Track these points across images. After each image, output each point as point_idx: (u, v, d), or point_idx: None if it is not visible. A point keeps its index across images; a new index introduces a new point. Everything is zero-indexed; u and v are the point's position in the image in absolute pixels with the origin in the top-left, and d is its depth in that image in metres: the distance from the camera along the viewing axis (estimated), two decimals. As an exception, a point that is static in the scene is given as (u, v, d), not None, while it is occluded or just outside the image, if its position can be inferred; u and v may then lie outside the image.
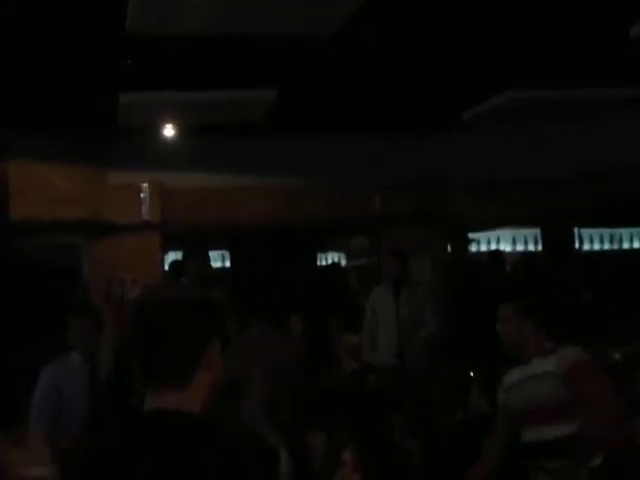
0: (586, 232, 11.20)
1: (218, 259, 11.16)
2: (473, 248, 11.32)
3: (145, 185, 8.36)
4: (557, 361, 4.09)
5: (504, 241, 11.43)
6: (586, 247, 11.29)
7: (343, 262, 12.60)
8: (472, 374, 5.65)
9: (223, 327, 2.14)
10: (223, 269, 11.42)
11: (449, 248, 9.90)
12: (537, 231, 11.09)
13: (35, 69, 5.81)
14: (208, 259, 7.43)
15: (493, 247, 11.24)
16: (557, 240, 10.75)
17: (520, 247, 11.35)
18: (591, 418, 3.87)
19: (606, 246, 11.54)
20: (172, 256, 11.58)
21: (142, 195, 8.35)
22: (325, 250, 13.14)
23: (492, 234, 11.35)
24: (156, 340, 2.04)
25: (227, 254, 12.05)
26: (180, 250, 11.72)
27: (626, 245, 11.57)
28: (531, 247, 11.30)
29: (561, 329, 4.71)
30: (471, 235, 11.15)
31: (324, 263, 13.09)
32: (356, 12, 4.61)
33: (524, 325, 4.24)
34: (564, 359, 4.08)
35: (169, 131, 7.62)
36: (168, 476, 1.93)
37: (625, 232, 11.50)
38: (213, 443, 1.98)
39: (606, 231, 11.44)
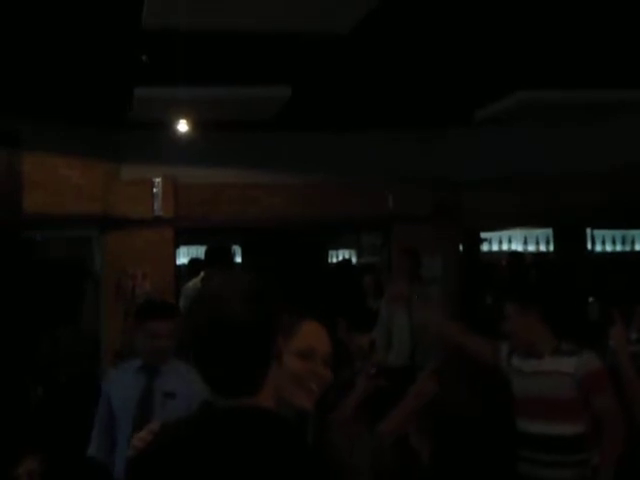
0: (599, 233, 11.15)
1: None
2: (484, 247, 11.31)
3: (158, 180, 8.36)
4: (576, 364, 4.19)
5: (515, 241, 11.40)
6: (598, 248, 11.24)
7: (354, 259, 12.62)
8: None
9: (282, 312, 1.99)
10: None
11: (461, 247, 9.88)
12: (549, 231, 11.05)
13: (50, 62, 5.82)
14: (230, 261, 7.44)
15: (505, 247, 11.22)
16: (569, 241, 10.71)
17: (532, 247, 11.32)
18: (610, 432, 4.09)
19: (618, 248, 11.48)
20: (184, 251, 11.64)
21: (155, 190, 8.35)
22: (337, 247, 13.16)
23: (504, 234, 11.33)
24: (227, 351, 1.84)
25: (238, 249, 12.08)
26: (192, 245, 11.83)
27: (639, 247, 11.51)
28: (543, 247, 11.26)
29: (573, 329, 4.74)
30: (482, 234, 11.13)
31: (335, 260, 13.11)
32: (371, 10, 4.59)
33: (527, 322, 4.32)
34: (583, 364, 4.19)
35: (183, 126, 7.61)
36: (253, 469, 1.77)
37: (638, 234, 11.44)
38: (295, 439, 1.87)
39: (619, 233, 11.38)
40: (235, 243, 11.58)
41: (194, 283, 7.43)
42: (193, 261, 9.18)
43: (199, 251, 12.19)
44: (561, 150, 8.30)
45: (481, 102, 7.26)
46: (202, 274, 7.34)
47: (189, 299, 6.77)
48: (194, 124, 7.63)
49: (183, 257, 11.49)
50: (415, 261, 7.48)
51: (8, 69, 5.96)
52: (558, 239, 10.84)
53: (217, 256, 7.23)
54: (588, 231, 10.74)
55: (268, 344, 1.88)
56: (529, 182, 8.51)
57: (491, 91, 6.89)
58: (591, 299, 7.96)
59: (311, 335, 2.46)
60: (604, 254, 11.22)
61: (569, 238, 10.67)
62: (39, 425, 6.03)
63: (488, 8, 4.91)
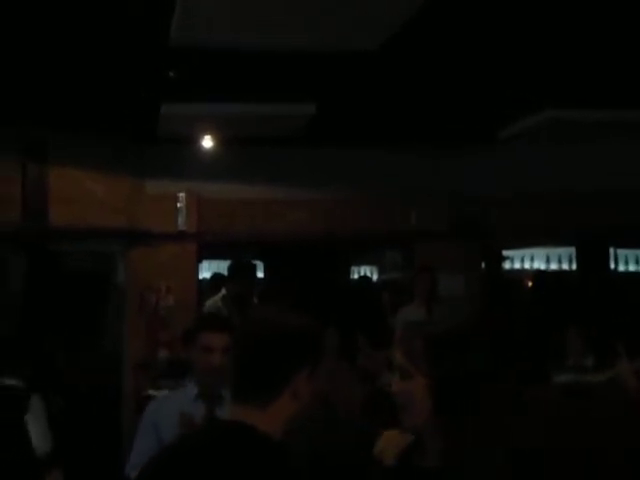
0: (622, 252, 11.09)
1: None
2: (506, 265, 11.28)
3: (182, 195, 8.41)
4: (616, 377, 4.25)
5: (538, 259, 11.36)
6: (621, 268, 11.18)
7: (376, 276, 12.61)
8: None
9: (316, 358, 2.14)
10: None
11: (483, 265, 9.87)
12: (572, 250, 11.01)
13: (79, 77, 5.89)
14: (252, 278, 7.38)
15: (527, 265, 11.19)
16: (592, 260, 10.67)
17: (554, 266, 11.28)
18: None
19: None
20: (206, 265, 11.68)
21: (179, 205, 8.40)
22: (359, 263, 13.15)
23: (526, 252, 11.30)
24: (245, 360, 2.10)
25: (260, 264, 12.09)
26: (215, 259, 11.87)
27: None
28: (565, 266, 11.22)
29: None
30: (505, 252, 11.11)
31: (357, 276, 13.10)
32: (398, 29, 4.62)
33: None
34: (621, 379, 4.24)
35: (208, 142, 7.67)
36: None
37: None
38: (273, 465, 1.99)
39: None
40: (257, 258, 11.59)
41: (214, 301, 7.40)
42: (215, 276, 9.19)
43: (221, 266, 12.24)
44: (582, 169, 8.28)
45: (505, 120, 7.26)
46: (223, 292, 7.32)
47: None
48: (219, 140, 7.69)
49: (205, 271, 11.54)
50: (433, 280, 7.50)
51: (38, 83, 6.04)
52: (581, 258, 10.81)
53: (239, 272, 7.23)
54: (611, 250, 10.70)
55: (277, 373, 2.07)
56: (552, 200, 8.49)
57: (515, 109, 6.90)
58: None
59: None
60: (627, 274, 11.16)
61: (592, 257, 10.63)
62: (62, 436, 6.03)
63: (513, 28, 4.93)
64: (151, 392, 7.65)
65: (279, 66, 5.58)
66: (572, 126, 7.12)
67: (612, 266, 10.81)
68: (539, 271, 11.02)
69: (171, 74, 5.62)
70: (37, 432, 4.71)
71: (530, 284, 11.03)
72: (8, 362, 5.88)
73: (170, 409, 3.86)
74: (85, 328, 8.40)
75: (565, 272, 11.12)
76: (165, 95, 6.26)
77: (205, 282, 10.03)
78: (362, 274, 12.98)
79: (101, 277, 8.75)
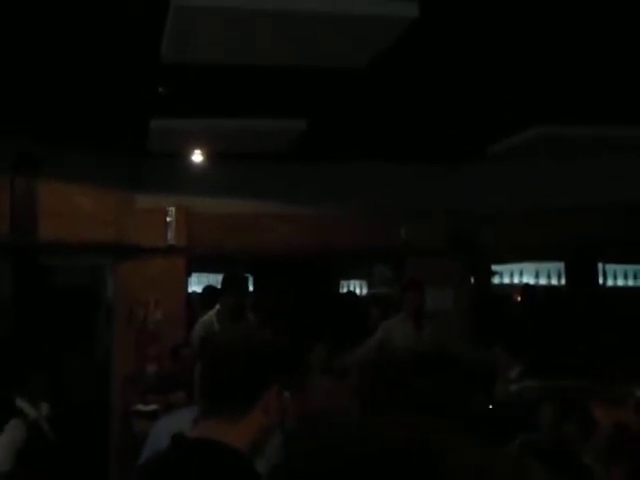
0: (610, 267, 11.15)
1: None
2: (496, 280, 11.32)
3: (172, 209, 8.41)
4: None
5: (527, 274, 11.41)
6: (610, 283, 11.24)
7: (365, 290, 12.62)
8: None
9: (288, 375, 2.17)
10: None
11: (472, 280, 9.89)
12: (561, 265, 11.06)
13: (70, 92, 5.89)
14: (245, 291, 7.30)
15: (516, 280, 11.24)
16: (581, 275, 10.72)
17: (543, 281, 11.33)
18: None
19: (630, 282, 11.47)
20: (195, 279, 11.67)
21: (168, 219, 8.40)
22: (347, 278, 13.17)
23: (515, 267, 11.35)
24: (216, 375, 2.14)
25: (250, 278, 12.09)
26: (204, 272, 11.86)
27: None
28: (554, 281, 11.27)
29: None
30: (494, 267, 11.14)
31: (345, 291, 13.12)
32: (388, 46, 4.65)
33: None
34: None
35: (198, 157, 7.68)
36: None
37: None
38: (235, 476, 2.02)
39: (631, 267, 11.38)
40: (247, 272, 11.59)
41: (209, 317, 7.29)
42: (208, 289, 9.14)
43: (210, 279, 12.24)
44: (573, 184, 8.32)
45: (495, 137, 7.30)
46: (217, 307, 7.23)
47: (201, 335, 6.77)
48: (209, 155, 7.70)
49: (194, 285, 11.53)
50: (422, 296, 7.51)
51: (28, 97, 6.04)
52: (569, 273, 10.86)
53: (233, 285, 7.18)
54: (600, 265, 10.75)
55: (245, 389, 2.10)
56: (541, 216, 8.52)
57: (505, 126, 6.93)
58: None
59: None
60: (615, 288, 11.21)
61: (580, 272, 10.68)
62: (45, 442, 6.03)
63: (503, 45, 4.96)
64: (139, 407, 7.63)
65: (269, 82, 5.60)
66: (562, 142, 7.16)
67: (600, 281, 10.86)
68: (527, 285, 11.07)
69: (161, 90, 5.62)
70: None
71: (519, 298, 11.08)
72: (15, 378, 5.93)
73: (174, 426, 3.77)
74: (73, 342, 8.37)
75: (554, 287, 11.17)
76: (155, 110, 6.26)
77: (194, 296, 10.01)
78: (350, 289, 13.00)
79: (90, 291, 8.74)
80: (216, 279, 12.14)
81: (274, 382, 2.11)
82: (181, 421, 3.73)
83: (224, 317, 6.96)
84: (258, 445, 2.11)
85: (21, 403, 5.85)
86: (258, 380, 2.10)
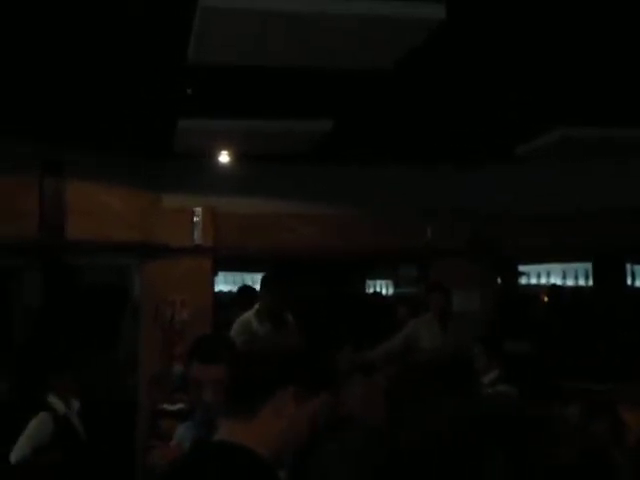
0: (639, 268, 11.04)
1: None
2: (523, 281, 11.27)
3: (198, 209, 8.45)
4: None
5: (554, 275, 11.33)
6: (638, 283, 11.13)
7: (391, 290, 12.62)
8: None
9: (301, 378, 2.21)
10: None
11: (499, 280, 9.84)
12: (588, 266, 10.97)
13: (97, 93, 5.93)
14: (284, 291, 7.25)
15: (543, 281, 11.17)
16: (608, 275, 10.63)
17: (570, 281, 11.25)
18: None
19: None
20: (221, 278, 11.72)
21: (195, 219, 8.44)
22: (374, 278, 13.17)
23: (542, 267, 11.28)
24: (231, 376, 2.27)
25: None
26: (230, 271, 11.91)
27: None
28: (582, 282, 11.18)
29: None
30: (521, 268, 11.09)
31: (372, 290, 13.12)
32: (414, 47, 4.64)
33: None
34: None
35: (224, 157, 7.71)
36: None
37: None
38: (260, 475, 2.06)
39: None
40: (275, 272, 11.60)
41: (247, 317, 7.24)
42: (244, 289, 9.14)
43: (236, 279, 12.29)
44: (600, 185, 8.28)
45: (522, 137, 7.26)
46: (256, 307, 7.19)
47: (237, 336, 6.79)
48: (235, 155, 7.72)
49: (220, 284, 11.58)
50: (447, 297, 7.50)
51: (57, 98, 6.09)
52: (597, 273, 10.77)
53: (272, 285, 7.15)
54: (628, 266, 10.66)
55: (257, 388, 2.17)
56: (568, 216, 8.48)
57: (531, 126, 6.90)
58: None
59: None
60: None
61: (608, 272, 10.60)
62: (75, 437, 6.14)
63: (528, 45, 4.94)
64: (166, 406, 7.68)
65: (295, 83, 5.60)
66: (587, 143, 7.12)
67: (629, 282, 10.77)
68: (554, 285, 11.00)
69: (189, 91, 5.65)
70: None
71: (546, 299, 11.01)
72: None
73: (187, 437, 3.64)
74: (101, 341, 8.44)
75: (581, 287, 11.09)
76: (182, 111, 6.29)
77: (221, 295, 10.06)
78: (377, 289, 13.00)
79: (117, 290, 8.80)
80: (242, 279, 12.23)
81: (288, 383, 2.16)
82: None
83: (263, 317, 6.96)
84: (275, 451, 2.13)
85: (52, 399, 5.98)
86: (270, 378, 2.17)
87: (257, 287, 7.47)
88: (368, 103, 6.28)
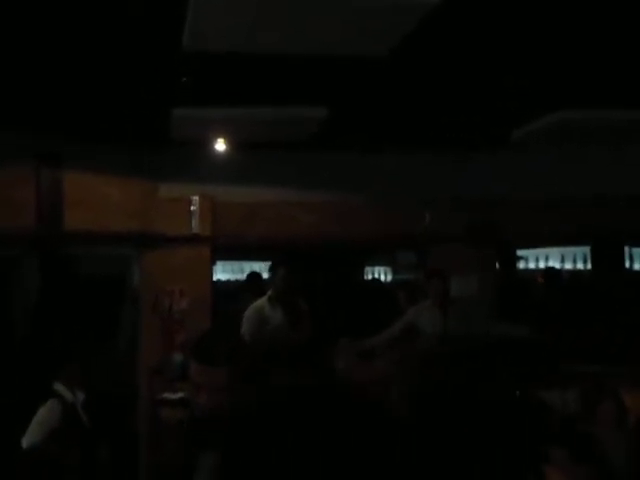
0: (637, 251, 11.07)
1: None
2: (521, 265, 11.29)
3: (196, 198, 8.44)
4: None
5: (553, 259, 11.36)
6: (637, 266, 11.16)
7: (389, 276, 12.62)
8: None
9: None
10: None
11: (497, 265, 9.85)
12: (587, 249, 11.00)
13: (92, 83, 5.91)
14: (292, 276, 7.43)
15: (542, 265, 11.19)
16: (607, 259, 10.65)
17: (569, 265, 11.27)
18: None
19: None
20: (220, 267, 11.73)
21: (192, 208, 8.43)
22: (372, 264, 13.18)
23: (540, 252, 11.30)
24: None
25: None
26: (228, 260, 11.92)
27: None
28: (580, 265, 11.21)
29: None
30: (520, 252, 11.11)
31: (370, 277, 13.13)
32: (408, 34, 4.63)
33: None
34: None
35: (220, 146, 7.69)
36: None
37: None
38: None
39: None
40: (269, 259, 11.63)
41: (261, 302, 7.52)
42: (253, 275, 9.23)
43: (234, 267, 12.30)
44: (597, 171, 8.29)
45: (519, 122, 7.25)
46: (269, 293, 7.43)
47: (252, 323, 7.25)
48: (232, 143, 7.71)
49: (219, 273, 11.59)
50: (445, 283, 7.54)
51: (51, 89, 6.07)
52: (595, 257, 10.79)
53: (285, 270, 7.32)
54: (626, 249, 10.69)
55: None
56: (566, 201, 8.48)
57: (529, 111, 6.88)
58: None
59: None
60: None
61: (606, 256, 10.62)
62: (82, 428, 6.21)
63: (525, 29, 4.92)
64: (167, 395, 7.70)
65: (291, 70, 5.58)
66: (586, 128, 7.10)
67: (627, 265, 10.80)
68: (548, 267, 11.00)
69: (184, 80, 5.63)
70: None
71: (540, 280, 11.03)
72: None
73: None
74: (100, 332, 8.44)
75: (579, 271, 11.12)
76: (178, 99, 6.27)
77: (219, 284, 10.07)
78: (375, 275, 13.02)
79: (115, 281, 8.80)
80: (240, 267, 12.24)
81: None
82: None
83: (275, 303, 7.16)
84: None
85: (59, 387, 6.04)
86: None
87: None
88: (364, 90, 6.25)
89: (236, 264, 12.39)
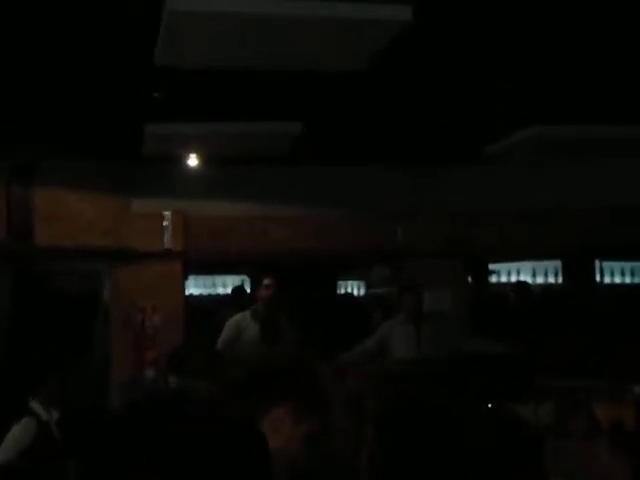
0: (607, 265, 11.15)
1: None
2: (493, 279, 11.32)
3: (168, 213, 8.40)
4: None
5: (524, 273, 11.39)
6: (607, 280, 11.23)
7: (363, 291, 12.61)
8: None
9: (295, 394, 2.21)
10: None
11: (469, 279, 9.88)
12: (558, 263, 11.05)
13: (64, 98, 5.88)
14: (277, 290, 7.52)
15: (513, 278, 11.22)
16: (578, 273, 10.72)
17: (540, 279, 11.31)
18: None
19: (627, 279, 11.46)
20: (192, 281, 11.67)
21: (165, 223, 8.39)
22: (345, 278, 13.16)
23: (512, 266, 11.33)
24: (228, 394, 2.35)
25: (247, 279, 12.10)
26: (200, 275, 11.87)
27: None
28: (551, 279, 11.26)
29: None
30: (491, 266, 11.14)
31: (343, 291, 13.11)
32: (383, 48, 4.64)
33: None
34: None
35: (193, 161, 7.67)
36: None
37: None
38: None
39: (628, 264, 11.37)
40: (245, 274, 11.60)
41: (242, 316, 7.57)
42: (237, 290, 9.31)
43: (206, 282, 12.25)
44: (570, 184, 8.36)
45: (493, 137, 7.28)
46: (254, 307, 7.47)
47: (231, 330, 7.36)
48: (205, 158, 7.69)
49: (191, 288, 11.53)
50: (419, 298, 7.53)
51: (23, 102, 6.03)
52: (567, 271, 10.85)
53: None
54: (597, 263, 10.76)
55: (252, 405, 2.18)
56: (539, 215, 8.54)
57: (503, 126, 6.92)
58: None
59: None
60: (613, 286, 11.20)
61: (578, 270, 10.69)
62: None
63: (501, 45, 4.96)
64: (138, 412, 7.62)
65: (264, 85, 5.59)
66: (559, 143, 7.16)
67: (598, 278, 10.87)
68: (519, 282, 11.03)
69: (156, 95, 5.61)
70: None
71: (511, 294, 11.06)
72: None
73: None
74: (71, 347, 8.34)
75: (551, 285, 11.16)
76: (150, 114, 6.25)
77: (192, 299, 10.03)
78: (348, 289, 12.99)
79: (87, 296, 8.72)
80: (212, 282, 12.19)
81: (280, 401, 2.16)
82: None
83: (257, 318, 7.23)
84: None
85: (34, 405, 5.97)
86: (262, 400, 2.17)
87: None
88: (341, 105, 6.27)
89: (209, 278, 12.34)
